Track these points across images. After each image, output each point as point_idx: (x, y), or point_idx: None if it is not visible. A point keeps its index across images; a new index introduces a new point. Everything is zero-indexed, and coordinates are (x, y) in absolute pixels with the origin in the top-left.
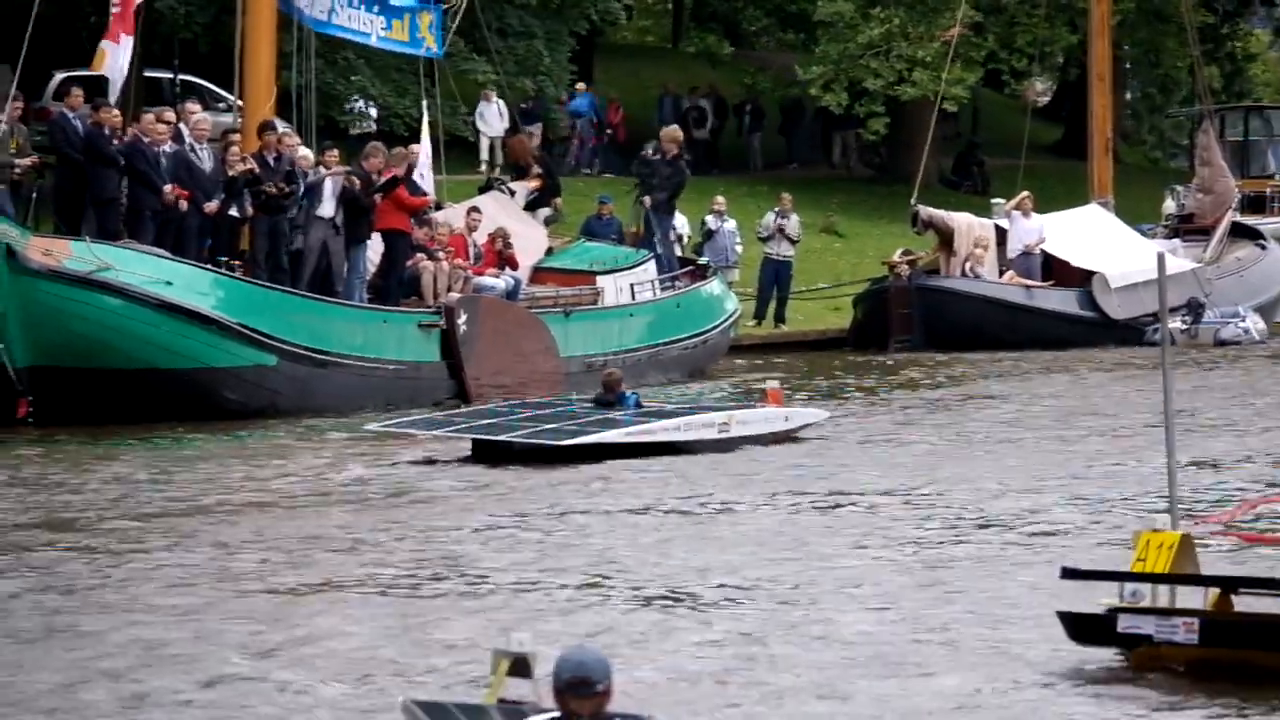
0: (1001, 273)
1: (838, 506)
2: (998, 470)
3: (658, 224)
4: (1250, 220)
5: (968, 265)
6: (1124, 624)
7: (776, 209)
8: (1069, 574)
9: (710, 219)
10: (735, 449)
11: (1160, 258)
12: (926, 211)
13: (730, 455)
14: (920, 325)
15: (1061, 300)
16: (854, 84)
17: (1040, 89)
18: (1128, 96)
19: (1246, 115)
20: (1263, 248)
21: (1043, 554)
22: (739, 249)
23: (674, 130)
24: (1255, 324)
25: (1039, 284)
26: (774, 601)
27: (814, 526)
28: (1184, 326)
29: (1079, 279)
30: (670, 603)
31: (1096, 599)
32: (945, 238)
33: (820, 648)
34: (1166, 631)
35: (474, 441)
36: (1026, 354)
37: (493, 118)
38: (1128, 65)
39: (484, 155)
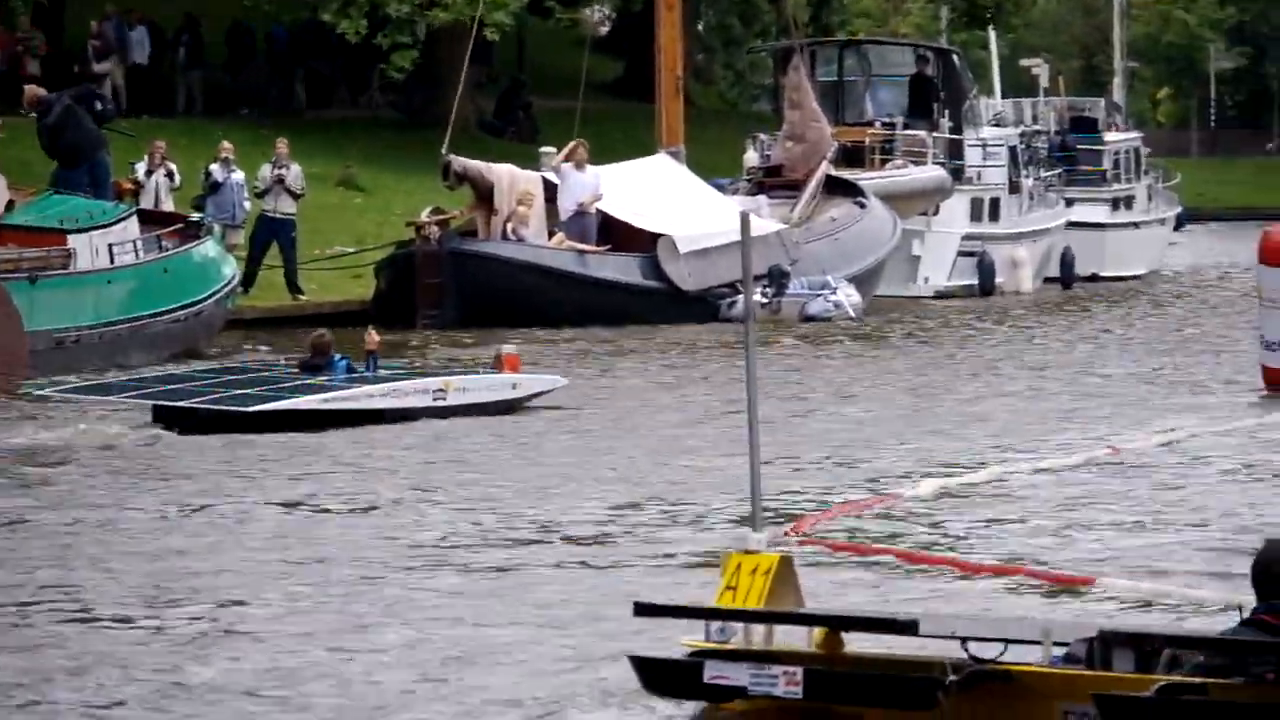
0: (550, 235)
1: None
2: (557, 477)
3: None
4: (847, 174)
5: (510, 226)
6: (711, 673)
7: (274, 158)
8: (643, 610)
9: (216, 168)
10: (447, 418)
11: (743, 218)
12: (461, 162)
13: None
14: (453, 297)
15: (621, 268)
16: (375, 8)
17: (598, 18)
18: (700, 28)
19: (841, 51)
20: (862, 206)
21: (616, 580)
22: (247, 205)
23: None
24: (849, 296)
25: (594, 248)
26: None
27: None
28: (765, 300)
29: (643, 243)
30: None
31: (679, 638)
32: (483, 193)
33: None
34: (764, 684)
35: (155, 407)
36: (581, 331)
37: None
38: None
39: None
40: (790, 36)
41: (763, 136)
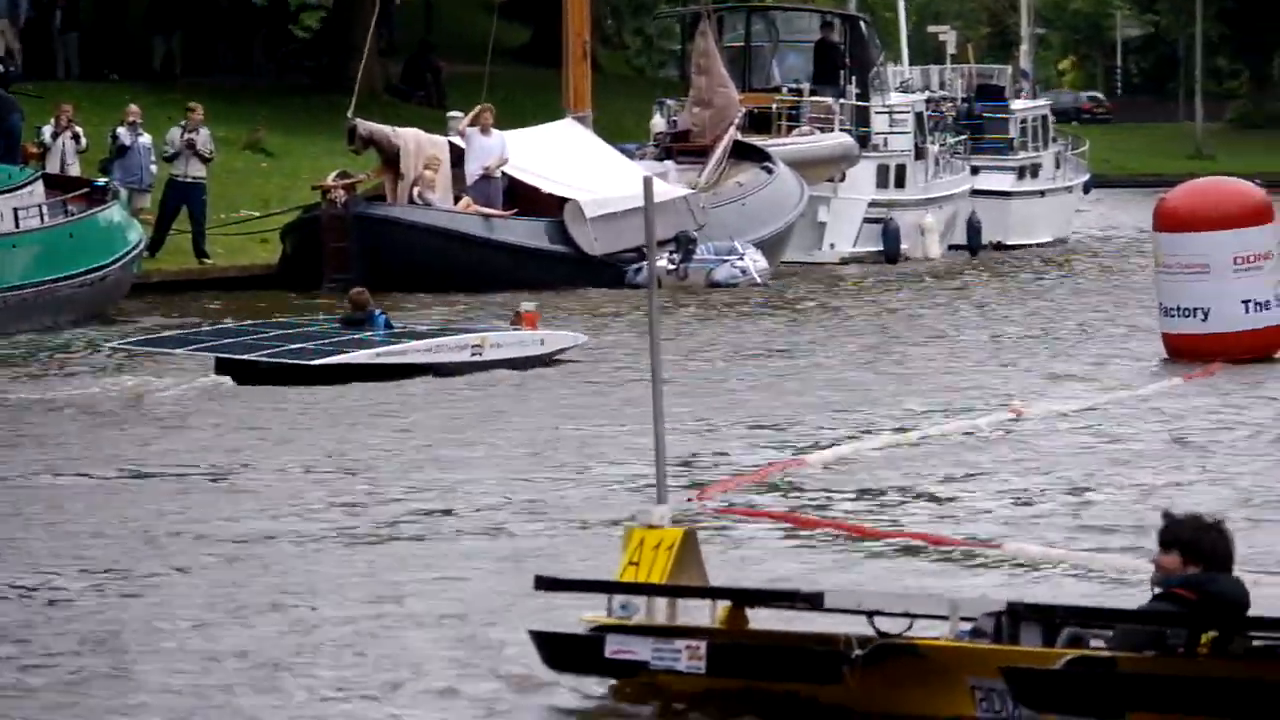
0: (457, 199)
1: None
2: (465, 445)
3: None
4: (755, 140)
5: (416, 190)
6: (613, 648)
7: (184, 122)
8: (544, 584)
9: (123, 132)
10: (478, 372)
11: (646, 182)
12: (367, 126)
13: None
14: (359, 261)
15: (528, 232)
16: None
17: None
18: None
19: (748, 16)
20: (769, 171)
21: (523, 552)
22: (154, 169)
23: None
24: (756, 263)
25: (501, 213)
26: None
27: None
28: (671, 266)
29: (550, 207)
30: None
31: (582, 613)
32: (390, 157)
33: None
34: (666, 659)
35: (217, 360)
36: (487, 297)
37: None
38: None
39: None
40: (698, 2)
41: (670, 102)
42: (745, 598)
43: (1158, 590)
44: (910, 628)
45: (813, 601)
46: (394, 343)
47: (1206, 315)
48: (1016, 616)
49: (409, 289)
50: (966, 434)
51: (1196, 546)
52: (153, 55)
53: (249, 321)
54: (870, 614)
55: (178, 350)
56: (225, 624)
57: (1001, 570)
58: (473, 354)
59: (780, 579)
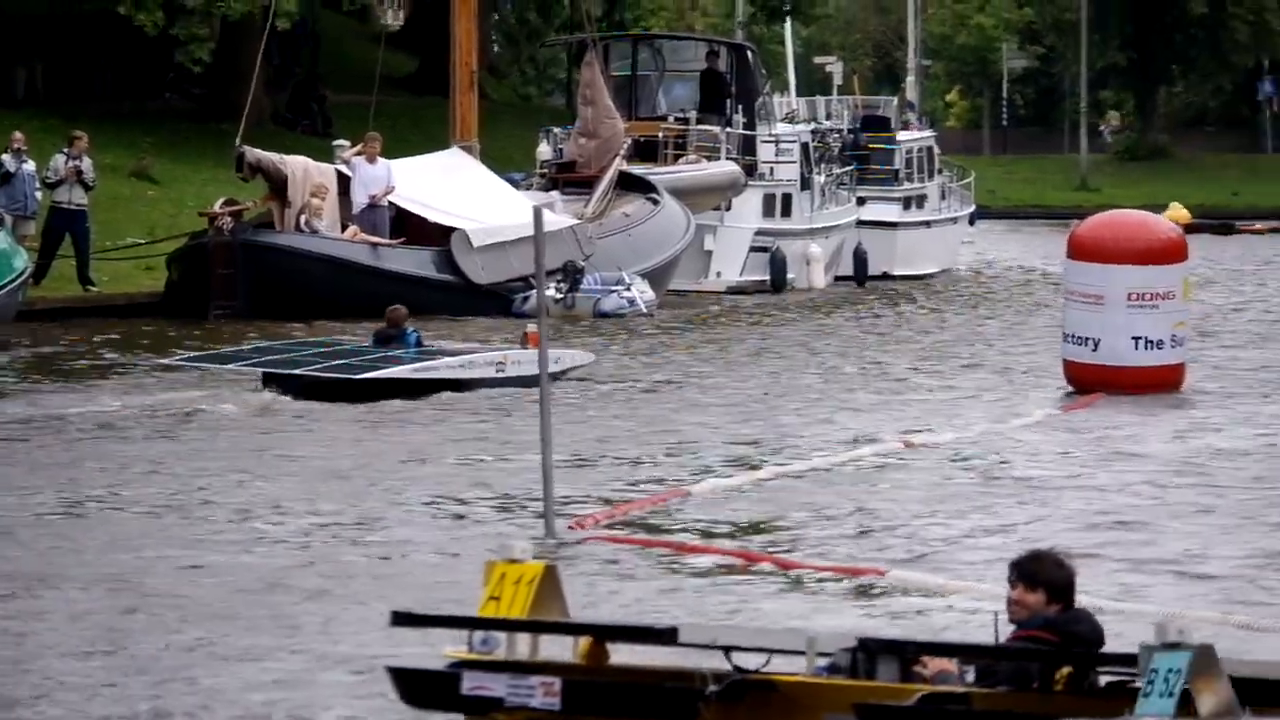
0: (344, 228)
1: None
2: (351, 473)
3: None
4: (641, 170)
5: (303, 218)
6: (469, 684)
7: (66, 149)
8: (401, 619)
9: (7, 158)
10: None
11: (536, 212)
12: (254, 154)
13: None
14: (245, 288)
15: (415, 261)
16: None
17: (391, 16)
18: (495, 21)
19: (635, 46)
20: (655, 202)
21: (401, 583)
22: (39, 196)
23: None
24: (642, 293)
25: (387, 241)
26: None
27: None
28: (559, 295)
29: (437, 236)
30: None
31: (444, 649)
32: (277, 185)
33: None
34: (521, 695)
35: (265, 374)
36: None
37: None
38: None
39: None
40: (584, 31)
41: (557, 131)
42: (598, 632)
43: (1016, 629)
44: (768, 663)
45: (667, 637)
46: (427, 359)
47: (1096, 346)
48: (872, 651)
49: (295, 317)
50: (856, 464)
51: (1056, 585)
52: (15, 84)
53: (286, 341)
54: (727, 649)
55: (227, 366)
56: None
57: (887, 599)
58: (497, 370)
59: (658, 609)
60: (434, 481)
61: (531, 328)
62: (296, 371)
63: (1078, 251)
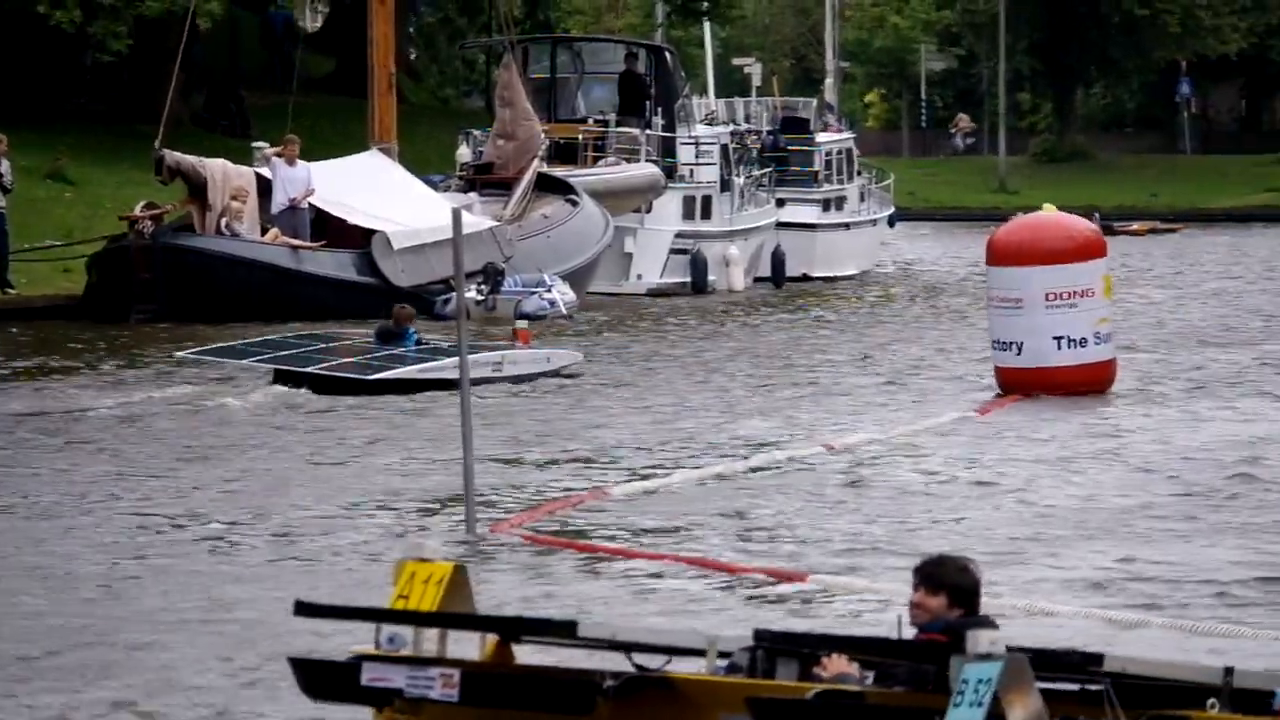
0: (264, 230)
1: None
2: (288, 473)
3: None
4: (560, 172)
5: (223, 221)
6: (369, 675)
7: None
8: (304, 610)
9: None
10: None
11: (455, 214)
12: (174, 157)
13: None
14: (165, 291)
15: (335, 264)
16: None
17: (310, 17)
18: (414, 23)
19: (554, 48)
20: (574, 204)
21: (320, 579)
22: None
23: None
24: (563, 295)
25: (308, 244)
26: None
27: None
28: (480, 297)
29: (357, 238)
30: None
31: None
32: (196, 188)
33: None
34: (420, 686)
35: (275, 371)
36: (294, 326)
37: None
38: None
39: None
40: (504, 33)
41: (476, 133)
42: (499, 625)
43: (918, 632)
44: (669, 662)
45: (565, 630)
46: (429, 359)
47: (1020, 350)
48: (771, 650)
49: (215, 320)
50: (779, 467)
51: (959, 589)
52: None
53: (292, 335)
54: (627, 647)
55: (243, 361)
56: None
57: (806, 601)
58: (494, 370)
59: (570, 611)
60: (370, 481)
61: (520, 324)
62: (310, 369)
63: (995, 257)
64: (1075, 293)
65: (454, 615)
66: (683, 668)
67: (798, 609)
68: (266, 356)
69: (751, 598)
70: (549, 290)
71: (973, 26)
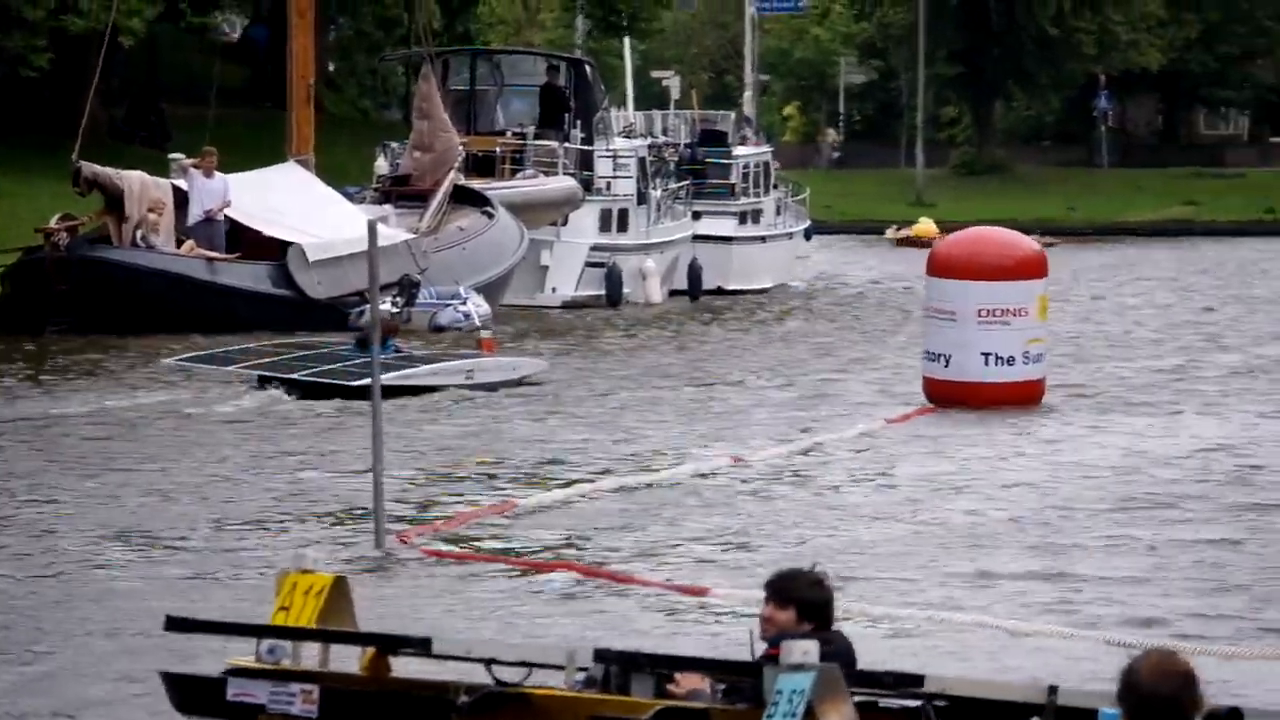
0: (180, 242)
1: None
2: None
3: None
4: (477, 184)
5: (140, 233)
6: (233, 691)
7: None
8: (175, 624)
9: None
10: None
11: (371, 226)
12: (91, 169)
13: None
14: (81, 303)
15: (251, 276)
16: (7, 11)
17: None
18: (333, 36)
19: (474, 60)
20: (490, 216)
21: (209, 593)
22: None
23: None
24: (478, 307)
25: (224, 256)
26: None
27: None
28: (395, 309)
29: (273, 250)
30: None
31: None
32: (113, 200)
33: None
34: (282, 702)
35: (260, 377)
36: (211, 339)
37: None
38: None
39: None
40: (423, 45)
41: (394, 145)
42: (390, 643)
43: (769, 646)
44: (530, 675)
45: (420, 646)
46: (405, 366)
47: (948, 362)
48: (625, 665)
49: (131, 332)
50: (682, 480)
51: (808, 603)
52: None
53: (269, 343)
54: (488, 662)
55: (228, 368)
56: None
57: (707, 615)
58: (466, 377)
59: (472, 623)
60: (290, 491)
61: (485, 334)
62: (295, 376)
63: (934, 268)
64: (1008, 310)
65: (302, 629)
66: (552, 681)
67: (697, 621)
68: (250, 364)
69: (649, 609)
70: (464, 303)
71: (891, 39)
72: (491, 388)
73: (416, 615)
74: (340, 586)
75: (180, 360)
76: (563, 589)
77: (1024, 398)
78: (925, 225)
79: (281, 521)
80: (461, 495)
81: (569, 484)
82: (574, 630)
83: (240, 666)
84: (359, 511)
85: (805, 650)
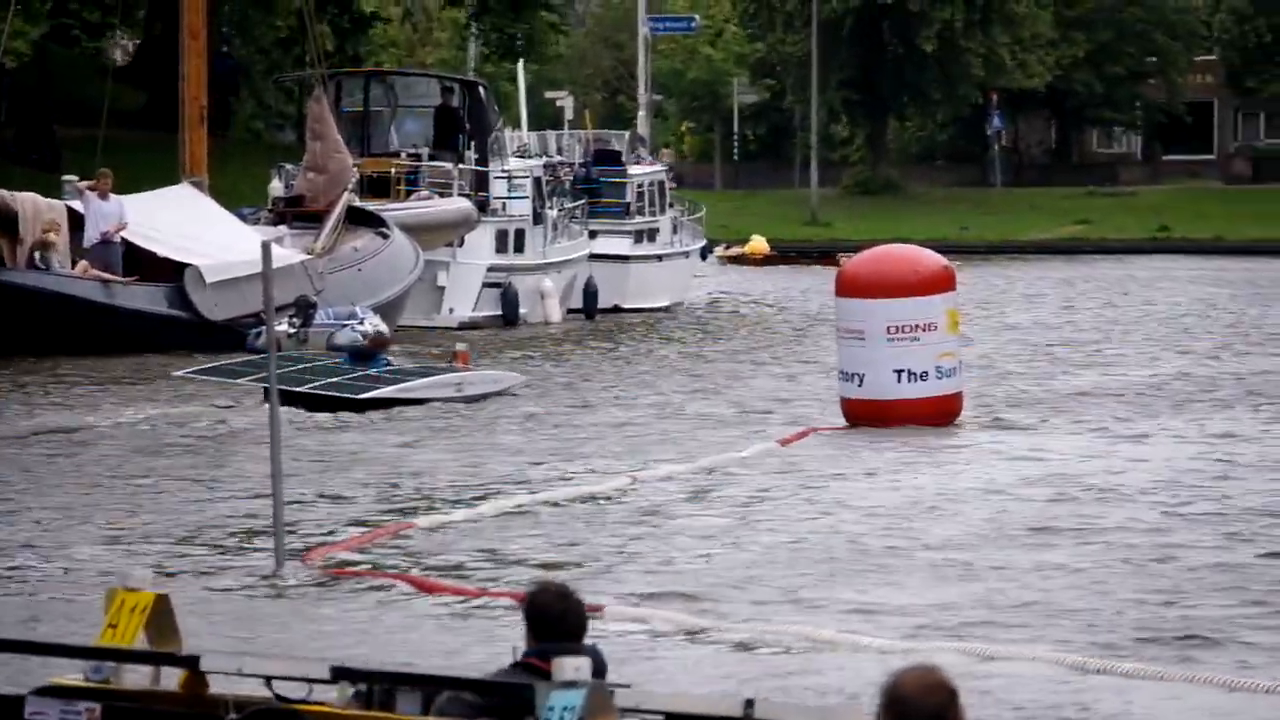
0: (75, 264)
1: None
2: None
3: None
4: (372, 205)
5: (36, 255)
6: (30, 710)
7: None
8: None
9: None
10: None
11: (265, 247)
12: None
13: None
14: None
15: (148, 297)
16: None
17: (120, 52)
18: (224, 54)
19: (368, 81)
20: (385, 236)
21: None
22: None
23: None
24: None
25: (120, 278)
26: None
27: None
28: (292, 329)
29: (169, 272)
30: None
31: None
32: (7, 221)
33: None
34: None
35: (265, 389)
36: (107, 361)
37: None
38: (223, 29)
39: None
40: (316, 66)
41: (289, 167)
42: (126, 657)
43: (517, 658)
44: (311, 692)
45: (187, 662)
46: (400, 380)
47: (862, 381)
48: (389, 682)
49: (29, 354)
50: (580, 499)
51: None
52: None
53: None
54: (268, 679)
55: (239, 381)
56: None
57: (606, 635)
58: (456, 390)
59: (365, 643)
60: (193, 510)
61: (460, 347)
62: (301, 389)
63: (842, 288)
64: (917, 326)
65: (80, 648)
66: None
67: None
68: (256, 376)
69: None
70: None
71: (785, 60)
72: (481, 399)
73: (308, 634)
74: (161, 604)
75: (189, 373)
76: (445, 607)
77: (940, 412)
78: (757, 243)
79: (185, 540)
80: (362, 515)
81: (466, 504)
82: (459, 647)
83: (51, 685)
84: (247, 531)
85: (577, 667)
